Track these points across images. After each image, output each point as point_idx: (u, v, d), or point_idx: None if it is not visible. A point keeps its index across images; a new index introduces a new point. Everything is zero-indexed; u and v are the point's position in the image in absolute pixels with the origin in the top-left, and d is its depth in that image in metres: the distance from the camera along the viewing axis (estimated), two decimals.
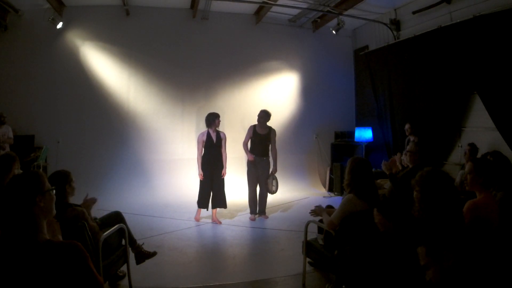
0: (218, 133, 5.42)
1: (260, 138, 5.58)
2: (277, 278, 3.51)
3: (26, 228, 1.48)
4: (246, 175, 5.70)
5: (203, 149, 5.37)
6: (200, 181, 5.41)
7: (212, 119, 5.38)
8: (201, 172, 5.35)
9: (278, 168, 5.66)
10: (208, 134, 5.38)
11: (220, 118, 5.48)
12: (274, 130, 5.71)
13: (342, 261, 2.70)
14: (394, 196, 3.69)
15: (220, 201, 5.42)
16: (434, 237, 1.86)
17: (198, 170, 5.39)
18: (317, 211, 3.31)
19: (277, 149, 5.76)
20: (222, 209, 5.54)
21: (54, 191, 1.63)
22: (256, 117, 5.66)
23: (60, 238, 2.09)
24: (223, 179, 5.45)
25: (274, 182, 5.64)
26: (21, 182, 1.55)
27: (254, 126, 5.66)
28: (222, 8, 7.29)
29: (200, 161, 5.37)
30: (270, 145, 5.66)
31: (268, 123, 5.67)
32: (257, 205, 5.68)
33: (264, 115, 5.59)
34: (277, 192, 5.75)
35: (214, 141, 5.37)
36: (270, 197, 5.84)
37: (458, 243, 1.80)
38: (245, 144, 5.67)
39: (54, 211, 1.64)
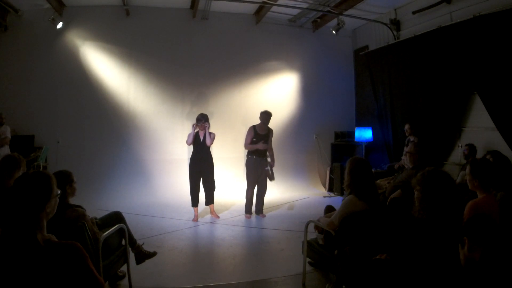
0: (205, 133, 5.49)
1: (261, 139, 5.61)
2: (277, 278, 3.51)
3: (28, 229, 1.49)
4: (246, 175, 5.73)
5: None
6: (190, 178, 5.56)
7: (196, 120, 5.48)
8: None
9: (278, 168, 5.68)
10: (196, 133, 5.51)
11: (198, 124, 5.41)
12: (272, 130, 5.78)
13: (342, 261, 2.70)
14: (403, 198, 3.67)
15: (211, 198, 5.61)
16: (434, 237, 1.85)
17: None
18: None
19: (277, 149, 5.81)
20: (222, 207, 5.64)
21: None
22: (257, 117, 5.68)
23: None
24: (212, 176, 5.57)
25: (271, 170, 5.69)
26: (32, 187, 1.55)
27: (254, 126, 5.68)
28: (222, 8, 7.28)
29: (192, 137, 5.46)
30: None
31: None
32: (254, 205, 5.74)
33: (268, 117, 5.64)
34: (276, 192, 5.73)
35: (201, 139, 5.49)
36: (270, 197, 5.84)
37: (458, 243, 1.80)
38: (247, 145, 5.67)
39: (55, 211, 1.65)
